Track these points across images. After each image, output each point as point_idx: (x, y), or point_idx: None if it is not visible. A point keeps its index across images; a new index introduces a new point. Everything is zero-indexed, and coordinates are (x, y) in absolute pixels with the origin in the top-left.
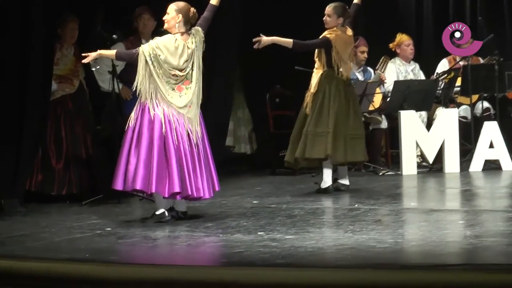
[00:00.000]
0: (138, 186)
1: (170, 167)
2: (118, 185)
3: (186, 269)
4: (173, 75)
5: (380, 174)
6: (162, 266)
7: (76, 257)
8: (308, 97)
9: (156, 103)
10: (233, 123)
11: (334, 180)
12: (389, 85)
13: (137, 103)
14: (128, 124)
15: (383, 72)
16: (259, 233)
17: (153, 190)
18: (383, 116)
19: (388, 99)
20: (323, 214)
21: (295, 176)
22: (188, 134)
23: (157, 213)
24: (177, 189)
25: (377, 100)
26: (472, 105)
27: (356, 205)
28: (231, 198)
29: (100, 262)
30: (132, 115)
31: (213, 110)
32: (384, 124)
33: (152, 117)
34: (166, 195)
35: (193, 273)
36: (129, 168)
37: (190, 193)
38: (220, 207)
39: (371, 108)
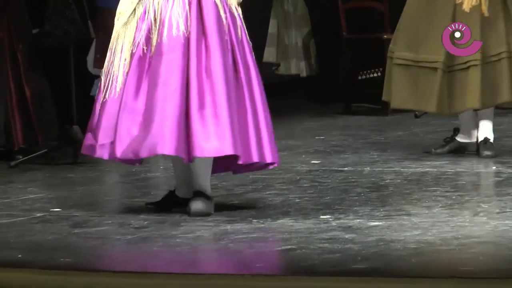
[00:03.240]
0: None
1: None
2: (104, 152)
3: (189, 282)
4: None
5: None
6: (146, 276)
7: (1, 259)
8: None
9: None
10: (277, 23)
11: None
12: None
13: None
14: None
15: None
16: (322, 217)
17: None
18: None
19: None
20: (433, 183)
21: (385, 117)
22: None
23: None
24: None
25: None
26: None
27: (494, 168)
28: None
29: (43, 269)
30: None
31: None
32: None
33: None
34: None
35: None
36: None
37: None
38: (254, 172)
39: None
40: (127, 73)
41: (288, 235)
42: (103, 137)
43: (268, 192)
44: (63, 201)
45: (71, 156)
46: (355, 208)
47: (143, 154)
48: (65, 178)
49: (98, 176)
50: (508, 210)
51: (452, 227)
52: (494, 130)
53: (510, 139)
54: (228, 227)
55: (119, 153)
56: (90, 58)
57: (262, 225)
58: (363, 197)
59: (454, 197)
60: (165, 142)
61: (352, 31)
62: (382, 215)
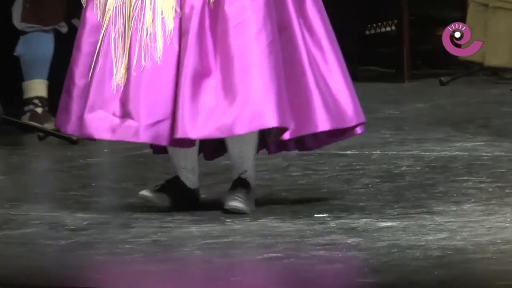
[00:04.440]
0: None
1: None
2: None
3: None
4: None
5: None
6: None
7: None
8: None
9: None
10: None
11: None
12: None
13: None
14: None
15: None
16: (317, 215)
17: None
18: None
19: None
20: (464, 171)
21: (402, 84)
22: None
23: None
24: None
25: None
26: None
27: None
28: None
29: None
30: None
31: None
32: None
33: None
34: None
35: None
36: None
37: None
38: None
39: None
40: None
41: (273, 239)
42: (148, 115)
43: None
44: (23, 194)
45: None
46: (361, 204)
47: (240, 130)
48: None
49: (23, 163)
50: None
51: (488, 229)
52: None
53: None
54: (194, 229)
55: (199, 130)
56: (17, 9)
57: (238, 227)
58: (372, 189)
59: (490, 189)
60: (266, 112)
61: None
62: (396, 213)
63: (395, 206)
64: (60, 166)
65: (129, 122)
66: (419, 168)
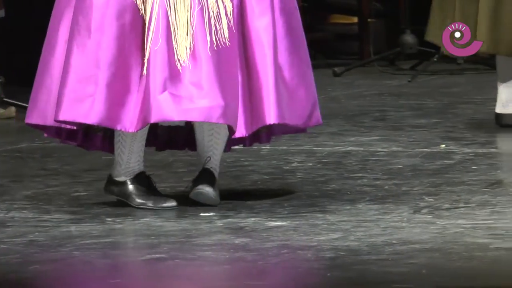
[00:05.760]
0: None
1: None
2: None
3: None
4: None
5: None
6: None
7: None
8: None
9: None
10: None
11: None
12: None
13: None
14: None
15: None
16: (202, 214)
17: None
18: None
19: None
20: (359, 168)
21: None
22: None
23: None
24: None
25: None
26: None
27: (444, 146)
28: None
29: None
30: None
31: None
32: None
33: None
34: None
35: None
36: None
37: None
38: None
39: None
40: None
41: (156, 239)
42: (224, 97)
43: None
44: None
45: None
46: (250, 202)
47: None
48: None
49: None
50: (461, 205)
51: (383, 229)
52: None
53: (464, 106)
54: (73, 228)
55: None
56: None
57: (120, 226)
58: (261, 187)
59: (387, 187)
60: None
61: None
62: (287, 212)
63: (286, 205)
64: None
65: (209, 103)
66: (311, 164)
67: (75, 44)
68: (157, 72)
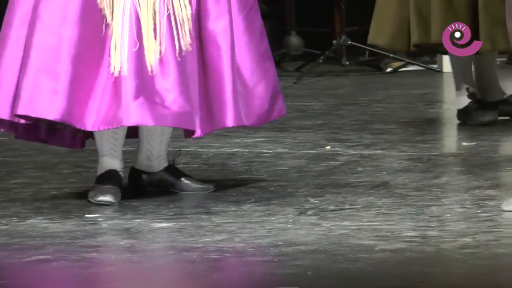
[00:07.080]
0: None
1: None
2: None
3: None
4: None
5: None
6: None
7: None
8: None
9: None
10: None
11: None
12: None
13: None
14: None
15: None
16: (88, 215)
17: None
18: None
19: None
20: (244, 169)
21: None
22: None
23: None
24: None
25: None
26: None
27: (329, 148)
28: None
29: None
30: None
31: None
32: None
33: None
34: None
35: None
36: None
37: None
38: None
39: None
40: None
41: (41, 241)
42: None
43: (14, 181)
44: None
45: None
46: (135, 203)
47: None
48: None
49: None
50: (347, 206)
51: (269, 231)
52: None
53: (350, 107)
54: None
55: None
56: None
57: (6, 227)
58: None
59: (272, 188)
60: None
61: None
62: (172, 213)
63: (171, 206)
64: None
65: (180, 108)
66: (196, 165)
67: (36, 37)
68: (130, 75)
